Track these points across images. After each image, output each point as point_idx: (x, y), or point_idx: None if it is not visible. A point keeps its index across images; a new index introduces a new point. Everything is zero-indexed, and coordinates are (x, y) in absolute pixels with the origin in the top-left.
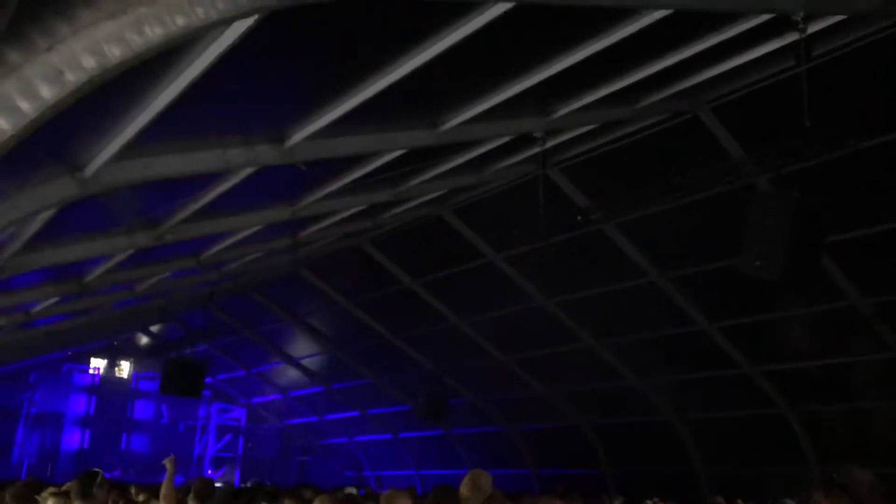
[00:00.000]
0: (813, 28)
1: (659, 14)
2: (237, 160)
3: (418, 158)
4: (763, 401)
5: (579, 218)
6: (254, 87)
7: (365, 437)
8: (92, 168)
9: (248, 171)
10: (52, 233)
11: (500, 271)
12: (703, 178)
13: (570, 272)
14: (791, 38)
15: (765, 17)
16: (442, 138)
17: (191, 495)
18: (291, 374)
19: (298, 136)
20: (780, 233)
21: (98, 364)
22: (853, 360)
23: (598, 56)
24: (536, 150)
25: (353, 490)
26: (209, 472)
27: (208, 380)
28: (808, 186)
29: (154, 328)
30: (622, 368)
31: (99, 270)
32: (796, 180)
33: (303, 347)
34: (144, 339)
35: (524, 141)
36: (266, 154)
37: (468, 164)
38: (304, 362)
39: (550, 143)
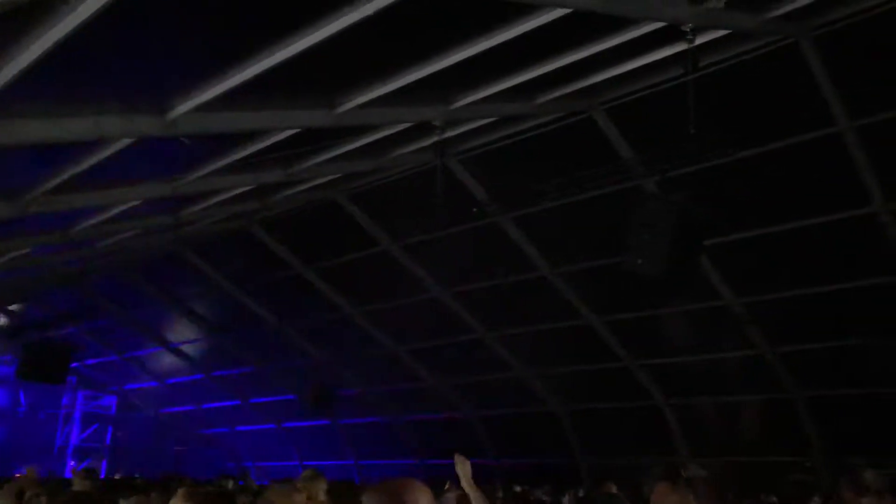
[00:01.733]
0: (701, 40)
1: (558, 13)
2: (113, 129)
3: (313, 139)
4: (641, 393)
5: (475, 210)
6: (135, 51)
7: (247, 427)
8: None
9: (125, 141)
10: None
11: (396, 260)
12: (595, 178)
13: (466, 263)
14: (681, 47)
15: (658, 24)
16: (338, 120)
17: None
18: (169, 359)
19: (183, 107)
20: (662, 233)
21: None
22: (723, 356)
23: (499, 49)
24: (435, 139)
25: (230, 482)
26: (72, 463)
27: (74, 365)
28: (691, 190)
29: (13, 307)
30: (511, 360)
31: None
32: (680, 184)
33: (182, 332)
34: (1, 319)
35: (424, 129)
36: (146, 125)
37: (366, 148)
38: (184, 348)
39: (450, 133)
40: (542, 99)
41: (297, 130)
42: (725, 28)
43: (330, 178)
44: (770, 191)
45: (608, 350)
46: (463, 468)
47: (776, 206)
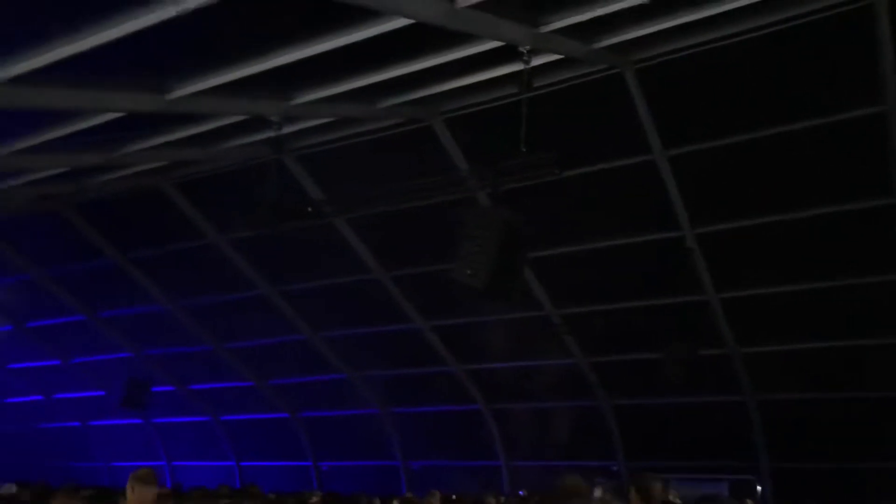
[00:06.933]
0: (537, 62)
1: (402, 21)
2: None
3: (140, 125)
4: (465, 397)
5: (309, 209)
6: None
7: (50, 425)
8: None
9: None
10: None
11: (222, 254)
12: (431, 186)
13: (296, 262)
14: (518, 67)
15: (498, 43)
16: (168, 107)
17: None
18: None
19: None
20: (488, 246)
21: None
22: (542, 363)
23: (342, 51)
24: (272, 134)
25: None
26: None
27: None
28: (518, 205)
29: None
30: (337, 362)
31: None
32: (510, 198)
33: None
34: None
35: (260, 123)
36: None
37: (197, 137)
38: None
39: (288, 130)
40: (383, 104)
41: (121, 114)
42: (558, 53)
43: (155, 164)
44: (590, 211)
45: (435, 354)
46: None
47: (594, 226)
